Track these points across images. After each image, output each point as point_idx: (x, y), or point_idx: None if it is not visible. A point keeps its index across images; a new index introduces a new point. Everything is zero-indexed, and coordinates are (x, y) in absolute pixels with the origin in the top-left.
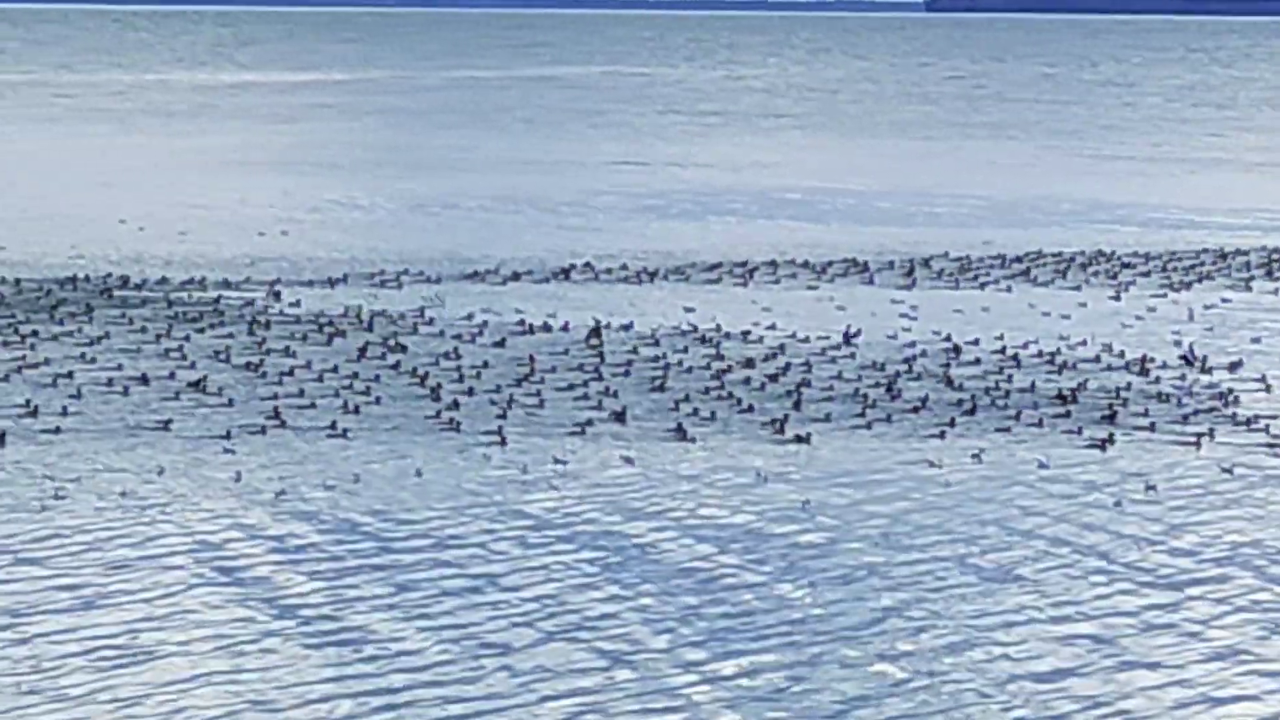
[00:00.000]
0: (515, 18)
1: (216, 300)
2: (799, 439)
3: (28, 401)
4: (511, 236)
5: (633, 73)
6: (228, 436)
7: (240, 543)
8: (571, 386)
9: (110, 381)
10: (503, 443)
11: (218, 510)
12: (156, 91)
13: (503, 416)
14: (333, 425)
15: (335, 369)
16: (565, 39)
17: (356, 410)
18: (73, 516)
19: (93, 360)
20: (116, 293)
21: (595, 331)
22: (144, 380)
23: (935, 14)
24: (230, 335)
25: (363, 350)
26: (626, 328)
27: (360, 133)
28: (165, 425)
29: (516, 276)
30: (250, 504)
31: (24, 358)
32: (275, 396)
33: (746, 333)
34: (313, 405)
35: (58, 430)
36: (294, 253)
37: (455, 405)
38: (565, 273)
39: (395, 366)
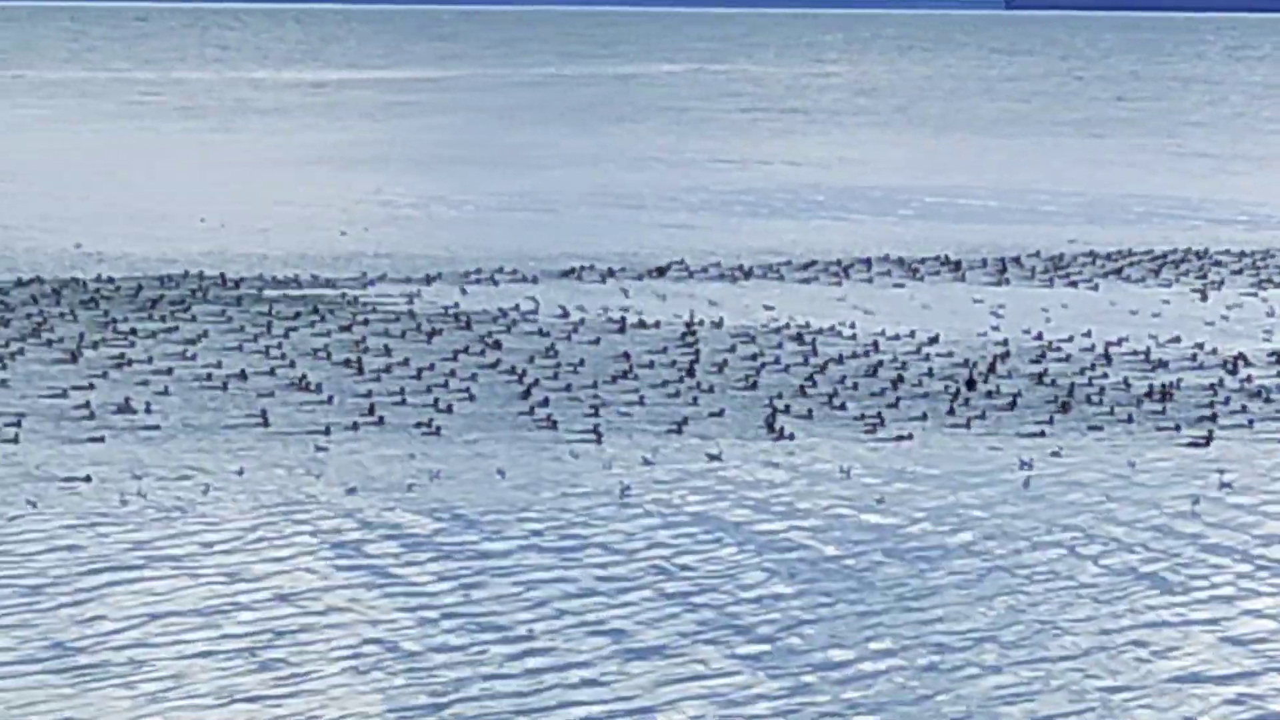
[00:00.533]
0: (599, 15)
1: (313, 298)
2: (900, 437)
3: (126, 399)
4: (604, 234)
5: (717, 70)
6: (325, 432)
7: (345, 540)
8: (666, 383)
9: (209, 378)
10: (598, 440)
11: (313, 507)
12: (241, 90)
13: (599, 414)
14: (429, 422)
15: (432, 366)
16: (649, 36)
17: (450, 409)
18: (170, 513)
19: (193, 357)
20: (213, 291)
21: (690, 329)
22: (243, 377)
23: (1015, 11)
24: (328, 333)
25: (460, 348)
26: (720, 325)
27: (444, 130)
28: (263, 421)
29: (612, 273)
30: (347, 500)
31: (123, 355)
32: (370, 394)
33: (840, 330)
34: (406, 402)
35: (157, 427)
36: (380, 250)
37: (546, 402)
38: (661, 270)
39: (494, 365)
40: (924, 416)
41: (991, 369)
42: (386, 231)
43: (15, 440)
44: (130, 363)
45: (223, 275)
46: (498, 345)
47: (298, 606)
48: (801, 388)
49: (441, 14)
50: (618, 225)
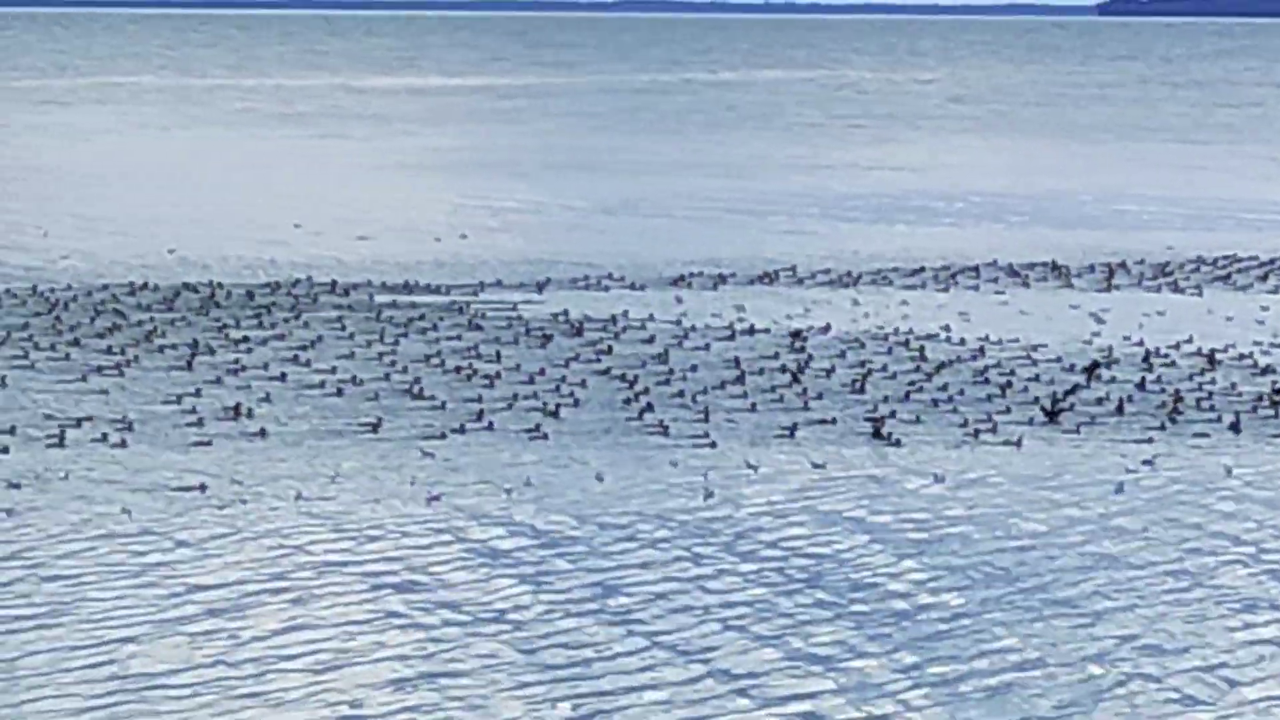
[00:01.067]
0: (690, 23)
1: (424, 304)
2: (1008, 442)
3: (237, 405)
4: (710, 240)
5: (807, 76)
6: (439, 437)
7: (440, 545)
8: (775, 389)
9: (322, 384)
10: (710, 445)
11: (418, 512)
12: (338, 96)
13: (709, 419)
14: (537, 427)
15: (543, 372)
16: (740, 43)
17: (559, 414)
18: (272, 517)
19: (306, 364)
20: (323, 297)
21: (799, 335)
22: (356, 383)
23: (1107, 17)
24: (440, 339)
25: (571, 354)
26: (828, 331)
27: (542, 136)
28: (374, 427)
29: (721, 280)
30: (450, 505)
31: (238, 361)
32: (480, 399)
33: (947, 335)
34: (512, 408)
35: (262, 433)
36: (482, 256)
37: (650, 408)
38: (769, 277)
39: (605, 371)
40: (1031, 421)
41: (1097, 374)
42: (487, 238)
43: (124, 445)
44: (244, 369)
45: (334, 282)
46: (608, 351)
47: (432, 614)
48: (909, 393)
49: (539, 20)
50: (723, 231)
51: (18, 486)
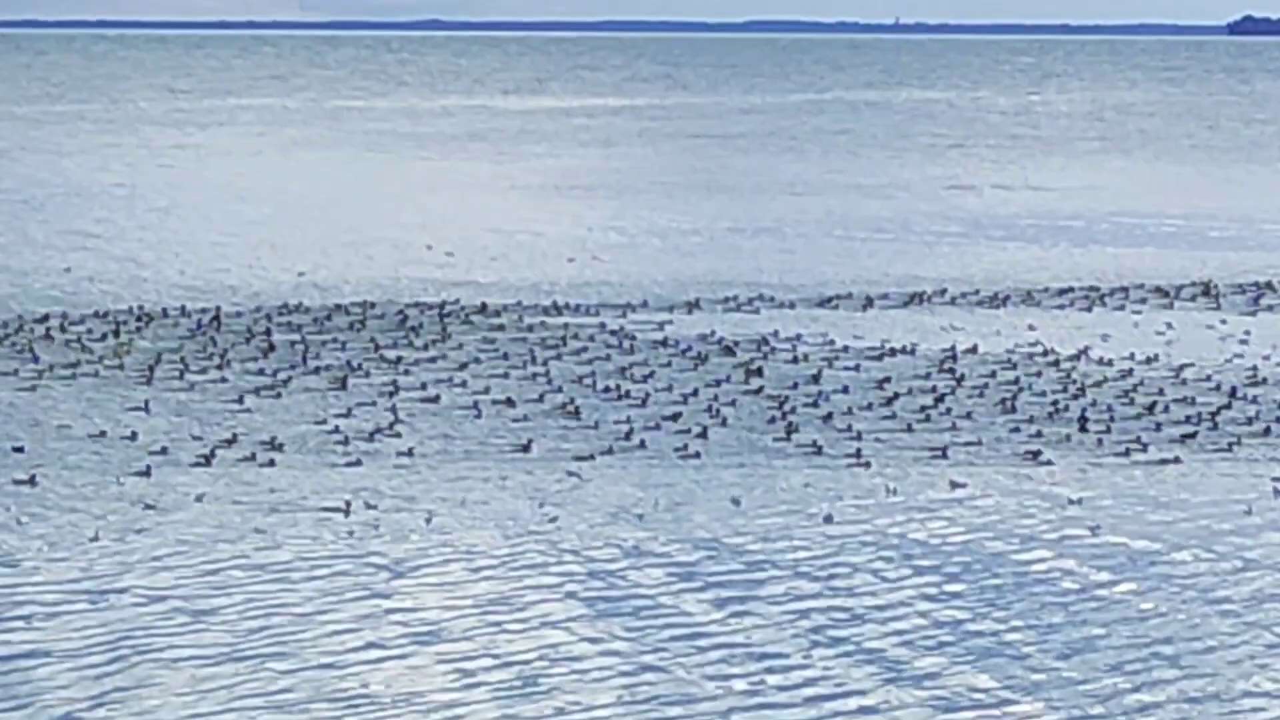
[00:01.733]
0: (821, 43)
1: (575, 325)
2: (1164, 461)
3: (391, 424)
4: (855, 261)
5: (939, 97)
6: (589, 458)
7: (607, 566)
8: (924, 409)
9: (475, 405)
10: (861, 466)
11: (572, 533)
12: (465, 117)
13: (862, 439)
14: (685, 447)
15: (696, 393)
16: (872, 63)
17: (705, 433)
18: (414, 537)
19: (462, 384)
20: (474, 318)
21: (949, 355)
22: (509, 403)
23: (1238, 36)
24: (593, 360)
25: (722, 375)
26: (977, 351)
27: (672, 157)
28: (525, 447)
29: (871, 302)
30: (606, 526)
31: (393, 382)
32: (628, 420)
33: (1097, 355)
34: (661, 428)
35: (410, 452)
36: (624, 278)
37: (799, 428)
38: (918, 298)
39: (756, 391)
40: (1182, 440)
41: (1240, 394)
42: (627, 258)
43: (272, 464)
44: (398, 390)
45: (484, 303)
46: (759, 372)
47: (564, 632)
48: (1058, 413)
49: (671, 41)
50: (867, 252)
51: (154, 507)
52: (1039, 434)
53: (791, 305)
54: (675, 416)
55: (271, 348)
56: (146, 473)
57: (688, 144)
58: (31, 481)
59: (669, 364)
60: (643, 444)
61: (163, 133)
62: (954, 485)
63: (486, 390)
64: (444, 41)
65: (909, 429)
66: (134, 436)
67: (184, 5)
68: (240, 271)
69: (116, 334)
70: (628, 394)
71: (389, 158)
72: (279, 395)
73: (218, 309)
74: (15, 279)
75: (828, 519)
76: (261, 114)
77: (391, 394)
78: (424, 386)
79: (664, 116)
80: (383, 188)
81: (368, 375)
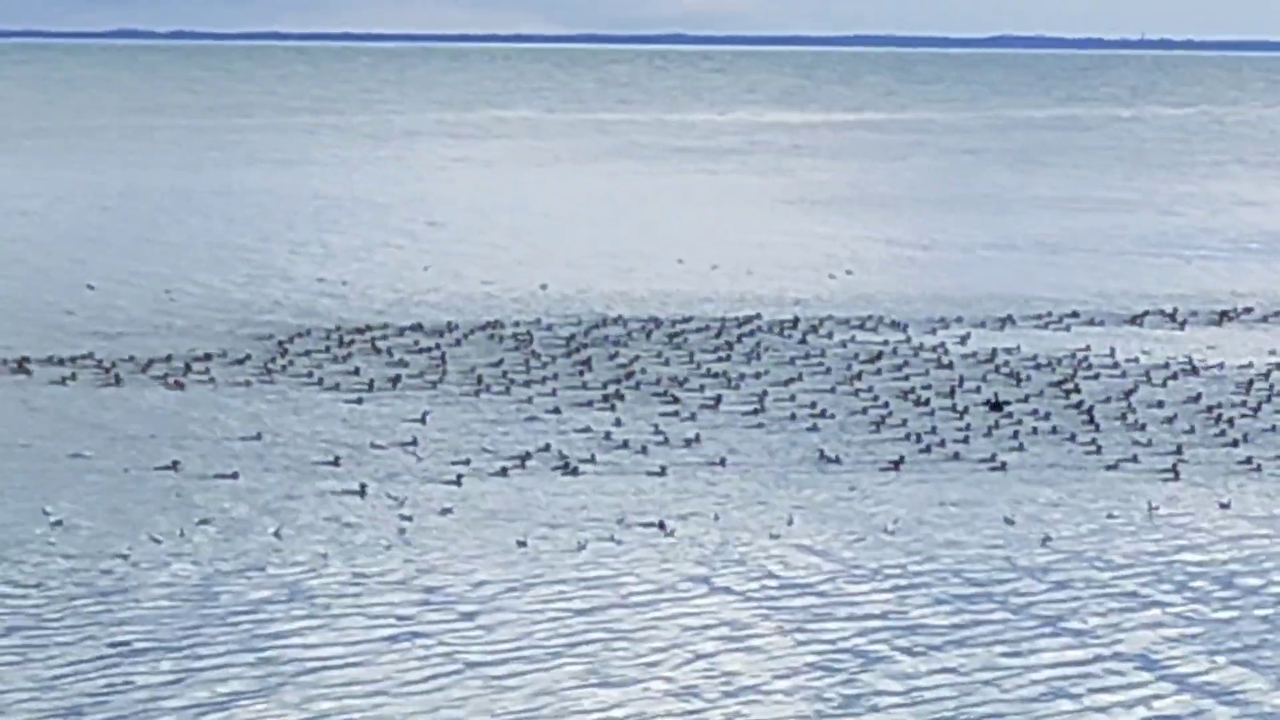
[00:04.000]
0: (1066, 59)
1: (878, 341)
2: None
3: (696, 435)
4: (1157, 276)
5: (1193, 112)
6: (894, 468)
7: (918, 573)
8: (1234, 423)
9: (793, 417)
10: (1176, 479)
11: (876, 541)
12: (710, 131)
13: (1181, 452)
14: (993, 457)
15: (1004, 406)
16: (1122, 79)
17: (1022, 446)
18: (730, 547)
19: (792, 399)
20: (786, 331)
21: (1264, 372)
22: (823, 415)
23: None
24: (909, 375)
25: (1036, 389)
26: None
27: (921, 172)
28: (835, 459)
29: (1175, 315)
30: (913, 531)
31: (719, 397)
32: (934, 430)
33: None
34: (969, 440)
35: (722, 462)
36: (910, 291)
37: (1103, 441)
38: (1227, 315)
39: (1076, 406)
40: None
41: None
42: (902, 273)
43: (575, 473)
44: (719, 403)
45: (795, 318)
46: (1076, 389)
47: (878, 640)
48: None
49: (914, 56)
50: (1165, 268)
51: (449, 511)
52: None
53: (1101, 321)
54: (987, 429)
55: (590, 361)
56: (457, 481)
57: (936, 159)
58: (361, 492)
59: (984, 379)
60: (957, 456)
61: (433, 145)
62: (1272, 497)
63: (813, 405)
64: (691, 56)
65: (1235, 444)
66: (452, 447)
67: (427, 18)
68: (537, 286)
69: (437, 347)
70: (940, 407)
71: (658, 170)
72: (614, 407)
73: (536, 322)
74: (330, 290)
75: (1138, 531)
76: (524, 126)
77: (715, 408)
78: (758, 398)
79: (910, 130)
80: (656, 200)
81: (700, 390)
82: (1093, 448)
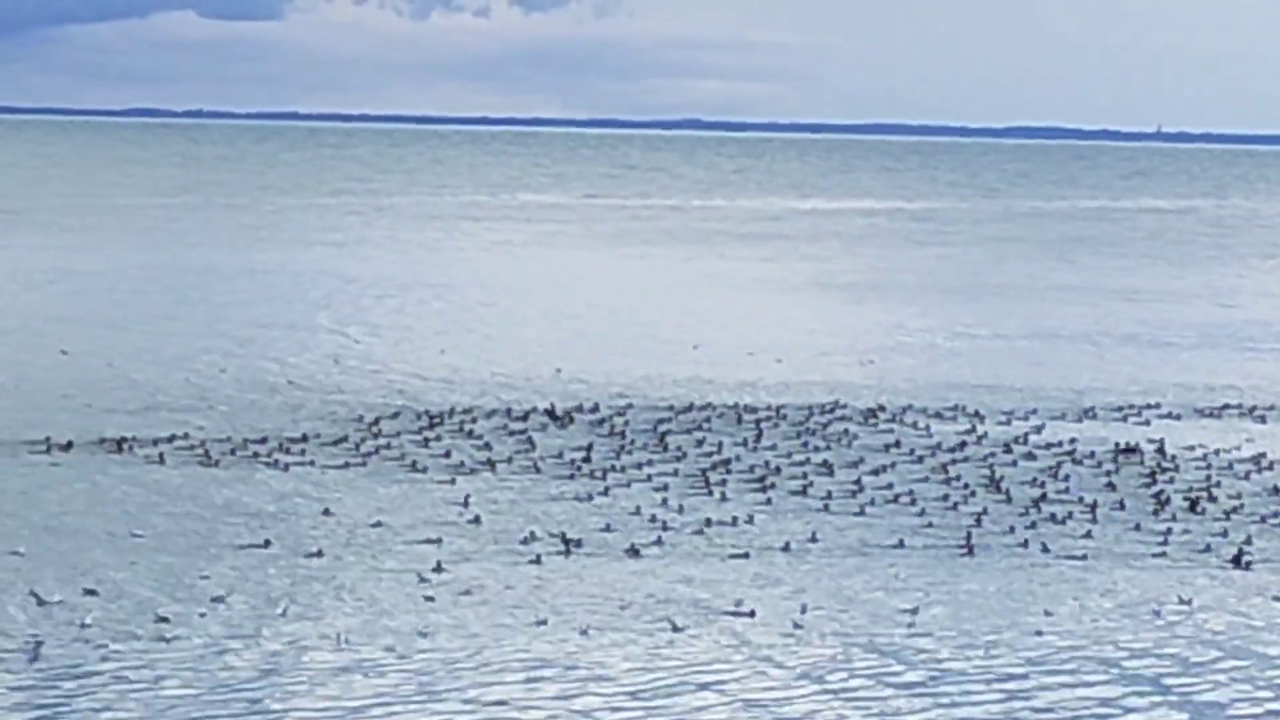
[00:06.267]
0: (1080, 149)
1: (962, 431)
2: None
3: (781, 531)
4: (1225, 369)
5: (1191, 205)
6: (967, 553)
7: (974, 658)
8: None
9: (896, 499)
10: (1246, 568)
11: (950, 625)
12: (724, 217)
13: (1250, 542)
14: (1082, 545)
15: (1085, 492)
16: (1139, 171)
17: (1089, 534)
18: (869, 638)
19: (888, 486)
20: (873, 419)
21: None
22: (896, 500)
23: None
24: (998, 466)
25: (1122, 481)
26: None
27: (939, 261)
28: (899, 544)
29: (1249, 410)
30: (982, 618)
31: (809, 482)
32: (1012, 513)
33: None
34: (1035, 527)
35: (787, 548)
36: (974, 380)
37: (1176, 529)
38: None
39: (1155, 496)
40: None
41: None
42: (895, 361)
43: (636, 555)
44: (811, 487)
45: (881, 405)
46: (1154, 479)
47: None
48: None
49: (928, 145)
50: (1235, 360)
51: (513, 587)
52: None
53: (1177, 415)
54: (1068, 518)
55: (677, 452)
56: (538, 560)
57: (955, 248)
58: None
59: (1064, 469)
60: (1043, 545)
61: (476, 228)
62: None
63: (910, 493)
64: (708, 142)
65: None
66: (542, 530)
67: (444, 100)
68: (620, 370)
69: (524, 432)
70: (1014, 497)
71: (694, 255)
72: (711, 491)
73: (622, 409)
74: (414, 370)
75: (1181, 620)
76: (559, 211)
77: (804, 492)
78: (860, 486)
79: (927, 219)
80: (699, 287)
81: (805, 478)
82: (1162, 533)
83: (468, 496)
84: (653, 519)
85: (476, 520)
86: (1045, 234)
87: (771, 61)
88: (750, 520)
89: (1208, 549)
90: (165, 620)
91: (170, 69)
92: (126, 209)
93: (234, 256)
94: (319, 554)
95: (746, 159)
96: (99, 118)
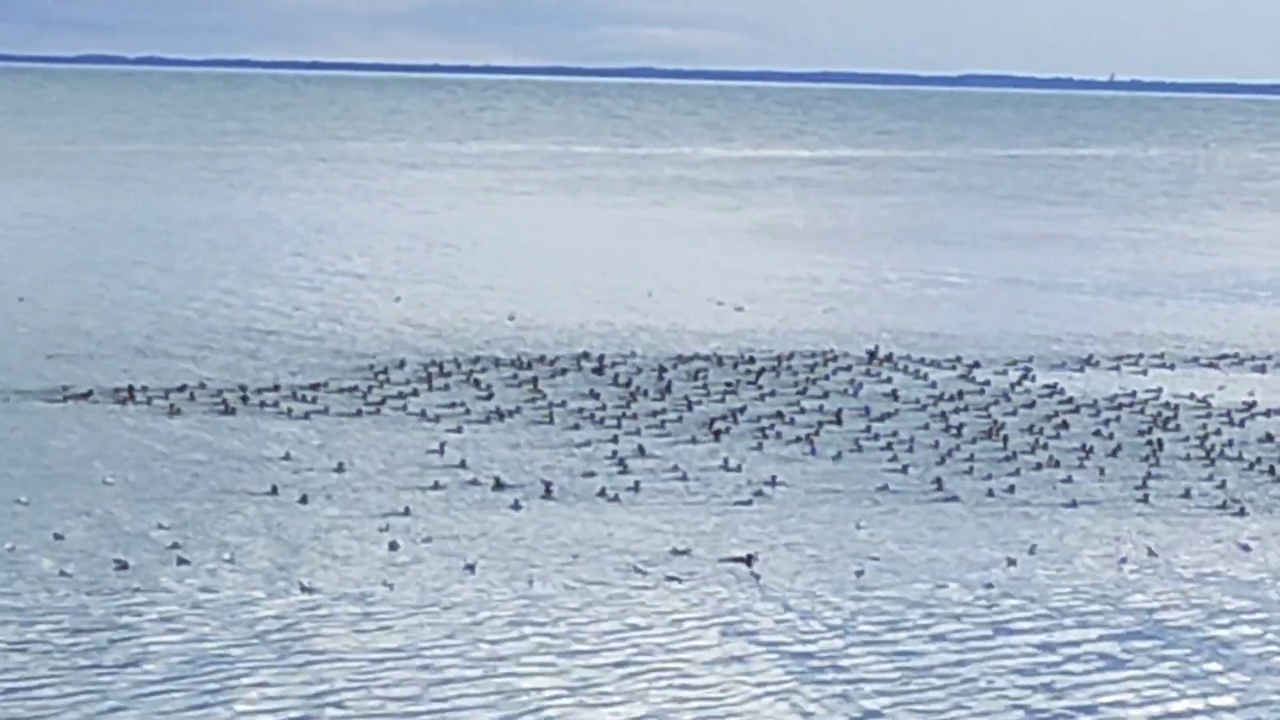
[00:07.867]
0: (1034, 98)
1: (956, 379)
2: None
3: (773, 476)
4: (1226, 319)
5: (1168, 153)
6: (954, 499)
7: (971, 604)
8: None
9: (889, 447)
10: (1241, 514)
11: (936, 572)
12: (688, 165)
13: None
14: (1063, 493)
15: (1121, 447)
16: (1093, 120)
17: (1146, 487)
18: (801, 579)
19: (875, 437)
20: (873, 367)
21: None
22: (910, 449)
23: None
24: (998, 415)
25: (1120, 430)
26: None
27: (895, 209)
28: (880, 489)
29: (1242, 360)
30: (973, 569)
31: (814, 429)
32: (1017, 473)
33: None
34: (1058, 481)
35: (761, 493)
36: (955, 330)
37: (1157, 475)
38: None
39: (1149, 444)
40: None
41: None
42: (937, 310)
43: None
44: (819, 431)
45: (871, 351)
46: (1178, 428)
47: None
48: None
49: (884, 94)
50: (1189, 310)
51: (521, 536)
52: None
53: (1171, 366)
54: (1055, 465)
55: (685, 399)
56: (517, 506)
57: (909, 196)
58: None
59: (1108, 423)
60: (1074, 502)
61: (456, 175)
62: None
63: (874, 434)
64: (664, 90)
65: None
66: (549, 478)
67: (397, 48)
68: (629, 323)
69: (534, 382)
70: (1051, 452)
71: (674, 202)
72: (692, 441)
73: (631, 357)
74: (415, 320)
75: (1183, 570)
76: (531, 158)
77: (810, 439)
78: (809, 431)
79: (884, 167)
80: (692, 234)
81: (793, 423)
82: (1149, 482)
83: (500, 444)
84: (725, 466)
85: (528, 468)
86: (1005, 181)
87: (720, 9)
88: (734, 466)
89: (1205, 495)
90: (186, 562)
91: (122, 16)
92: (85, 156)
93: (206, 204)
94: (329, 498)
95: (703, 108)
96: (50, 64)
